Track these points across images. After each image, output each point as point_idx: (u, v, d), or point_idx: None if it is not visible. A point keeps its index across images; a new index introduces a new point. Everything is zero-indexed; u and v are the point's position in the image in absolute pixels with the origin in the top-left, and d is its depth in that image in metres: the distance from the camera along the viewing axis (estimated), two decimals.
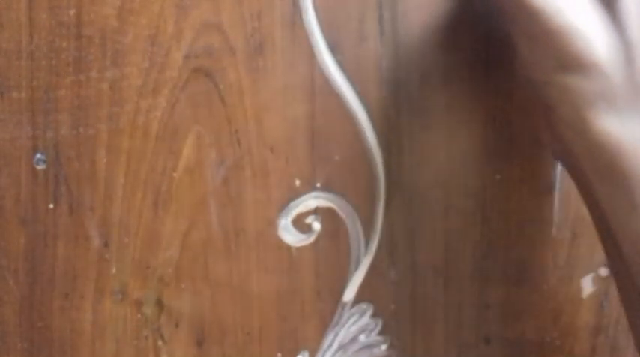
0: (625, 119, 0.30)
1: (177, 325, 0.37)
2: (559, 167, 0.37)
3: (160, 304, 0.37)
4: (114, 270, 0.36)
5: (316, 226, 0.37)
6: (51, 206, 0.36)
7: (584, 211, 0.33)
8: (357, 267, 0.37)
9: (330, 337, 0.38)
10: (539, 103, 0.33)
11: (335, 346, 0.37)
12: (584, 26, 0.30)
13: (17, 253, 0.36)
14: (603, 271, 0.38)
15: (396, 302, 0.38)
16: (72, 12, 0.35)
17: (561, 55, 0.30)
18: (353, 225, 0.37)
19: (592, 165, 0.31)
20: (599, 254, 0.36)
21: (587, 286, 0.38)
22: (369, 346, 0.38)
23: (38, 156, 0.35)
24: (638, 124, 0.30)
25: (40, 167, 0.35)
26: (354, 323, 0.37)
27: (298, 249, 0.37)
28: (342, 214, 0.37)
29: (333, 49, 0.36)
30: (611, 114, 0.30)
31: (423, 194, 0.37)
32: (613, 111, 0.30)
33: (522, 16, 0.30)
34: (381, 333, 0.38)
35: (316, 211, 0.37)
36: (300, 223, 0.37)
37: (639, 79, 0.30)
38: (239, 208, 0.36)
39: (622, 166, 0.30)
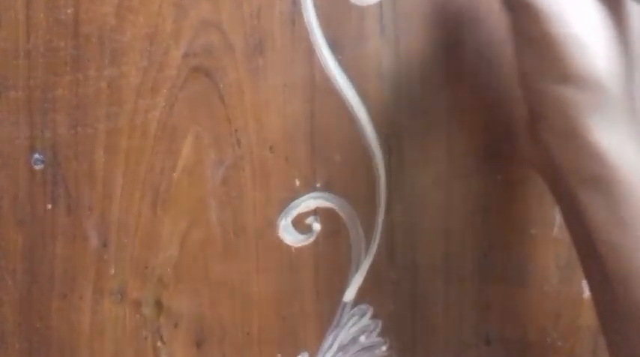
0: (618, 132, 0.29)
1: (176, 326, 0.36)
2: None
3: (159, 304, 0.36)
4: (113, 270, 0.35)
5: (316, 226, 0.36)
6: (49, 206, 0.35)
7: None
8: (357, 268, 0.36)
9: (330, 338, 0.37)
10: (530, 110, 0.32)
11: (335, 347, 0.37)
12: (588, 37, 0.28)
13: (15, 253, 0.35)
14: None
15: (396, 303, 0.37)
16: (69, 10, 0.34)
17: (561, 64, 0.28)
18: (353, 225, 0.36)
19: (578, 176, 0.30)
20: None
21: (588, 287, 0.37)
22: (369, 347, 0.37)
23: (36, 156, 0.34)
24: (630, 138, 0.29)
25: (38, 167, 0.34)
26: (354, 324, 0.37)
27: (298, 249, 0.36)
28: (342, 215, 0.36)
29: (334, 47, 0.35)
30: (605, 126, 0.29)
31: (424, 194, 0.36)
32: (607, 124, 0.29)
33: (525, 17, 0.29)
34: (381, 334, 0.37)
35: (316, 212, 0.36)
36: (300, 224, 0.36)
37: (636, 97, 0.29)
38: (239, 208, 0.36)
39: (611, 177, 0.29)
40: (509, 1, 0.29)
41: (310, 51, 0.35)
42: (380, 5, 0.35)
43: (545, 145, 0.31)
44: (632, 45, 0.29)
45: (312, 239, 0.36)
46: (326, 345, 0.37)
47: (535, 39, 0.29)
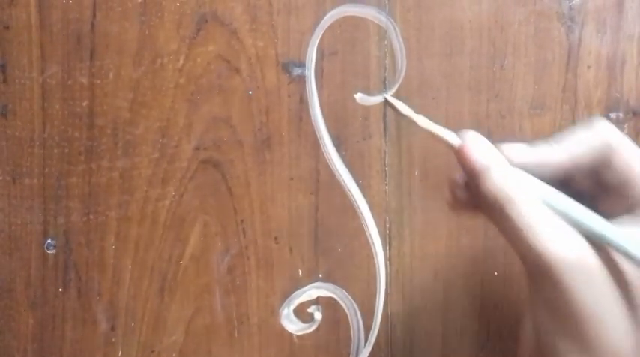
0: None
1: None
2: None
3: None
4: (120, 353, 0.32)
5: (318, 315, 0.32)
6: (60, 290, 0.32)
7: None
8: (357, 356, 0.34)
9: None
10: (540, 350, 0.27)
11: None
12: (615, 314, 0.24)
13: (26, 334, 0.32)
14: None
15: None
16: (85, 103, 0.31)
17: (586, 337, 0.24)
18: (353, 315, 0.33)
19: None
20: None
21: None
22: None
23: (49, 241, 0.32)
24: None
25: (51, 252, 0.32)
26: None
27: (300, 337, 0.32)
28: (343, 305, 0.33)
29: (339, 144, 0.32)
30: None
31: (423, 287, 0.34)
32: None
33: (550, 287, 0.24)
34: None
35: (318, 301, 0.33)
36: (302, 312, 0.32)
37: None
38: (243, 296, 0.32)
39: None
40: (533, 264, 0.24)
41: (316, 146, 0.32)
42: (384, 104, 0.33)
43: None
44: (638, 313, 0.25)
45: (313, 328, 0.32)
46: None
47: (560, 308, 0.24)
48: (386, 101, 0.28)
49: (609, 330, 0.24)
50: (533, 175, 0.26)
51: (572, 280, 0.23)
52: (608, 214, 0.26)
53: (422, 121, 0.26)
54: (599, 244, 0.25)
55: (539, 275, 0.24)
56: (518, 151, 0.26)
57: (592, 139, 0.26)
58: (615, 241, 0.24)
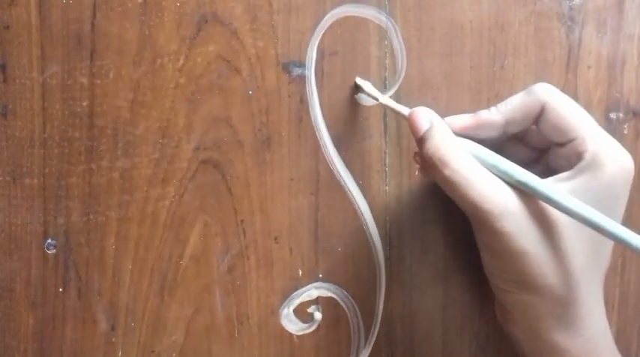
0: (572, 334, 0.28)
1: None
2: None
3: None
4: (120, 353, 0.32)
5: (318, 315, 0.32)
6: (60, 290, 0.31)
7: None
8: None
9: None
10: (497, 297, 0.31)
11: None
12: (540, 252, 0.27)
13: (26, 334, 0.32)
14: None
15: None
16: (85, 103, 0.31)
17: (519, 274, 0.27)
18: (353, 315, 0.33)
19: None
20: None
21: None
22: None
23: (49, 241, 0.31)
24: (586, 340, 0.28)
25: (51, 252, 0.31)
26: None
27: (300, 338, 0.32)
28: (343, 305, 0.33)
29: (338, 144, 0.32)
30: (560, 329, 0.28)
31: (423, 287, 0.33)
32: (562, 326, 0.28)
33: (486, 232, 0.27)
34: None
35: (318, 301, 0.32)
36: (302, 312, 0.32)
37: (581, 304, 0.28)
38: (243, 296, 0.32)
39: None
40: (472, 219, 0.28)
41: (316, 147, 0.32)
42: (384, 105, 0.33)
43: (511, 332, 0.30)
44: (568, 256, 0.27)
45: (313, 328, 0.32)
46: None
47: (496, 249, 0.27)
48: (355, 84, 0.30)
49: (538, 267, 0.27)
50: (476, 137, 0.29)
51: (500, 223, 0.26)
52: (558, 170, 0.28)
53: (382, 98, 0.30)
54: (526, 192, 0.27)
55: (477, 222, 0.28)
56: (458, 118, 0.29)
57: (526, 99, 0.29)
58: (535, 188, 0.27)
